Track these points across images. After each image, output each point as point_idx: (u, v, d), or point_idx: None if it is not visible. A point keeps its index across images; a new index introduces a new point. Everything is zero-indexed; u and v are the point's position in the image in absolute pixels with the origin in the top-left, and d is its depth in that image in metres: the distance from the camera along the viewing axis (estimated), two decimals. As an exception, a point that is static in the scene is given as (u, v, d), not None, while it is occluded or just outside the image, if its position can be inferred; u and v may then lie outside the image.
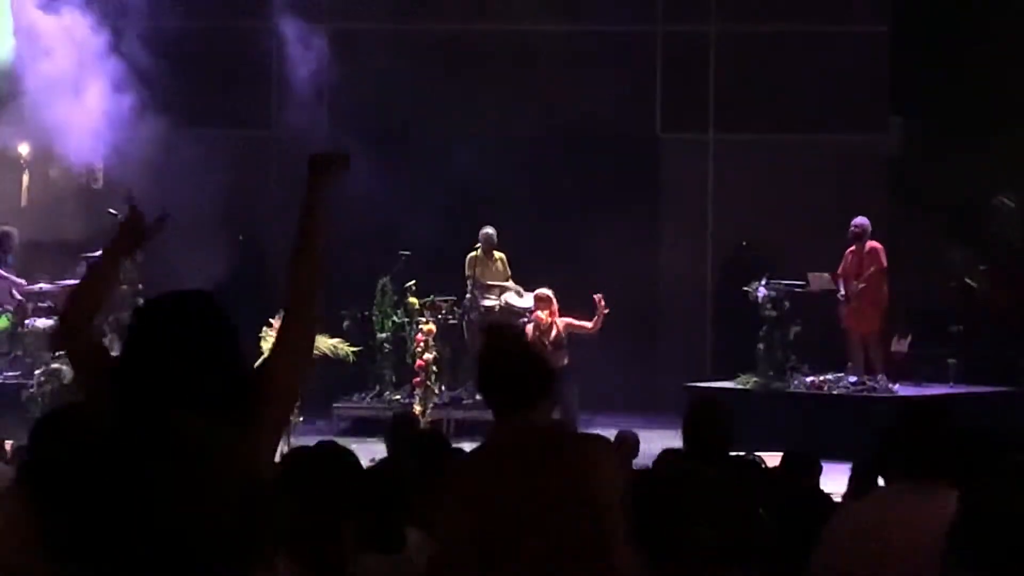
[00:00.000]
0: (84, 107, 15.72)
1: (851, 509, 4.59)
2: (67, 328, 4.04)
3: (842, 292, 15.47)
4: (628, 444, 10.12)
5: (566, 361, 14.26)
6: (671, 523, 4.34)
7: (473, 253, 16.19)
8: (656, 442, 9.60)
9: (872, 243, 15.35)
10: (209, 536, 1.81)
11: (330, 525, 3.98)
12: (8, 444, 6.91)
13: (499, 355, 4.26)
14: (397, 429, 7.77)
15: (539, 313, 14.51)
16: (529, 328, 14.28)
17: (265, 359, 3.88)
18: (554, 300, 14.57)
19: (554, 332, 14.40)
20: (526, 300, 15.47)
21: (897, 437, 4.67)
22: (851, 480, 7.53)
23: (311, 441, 4.73)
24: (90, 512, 1.80)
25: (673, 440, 6.56)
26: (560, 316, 14.51)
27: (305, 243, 3.92)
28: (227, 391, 3.48)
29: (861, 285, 15.26)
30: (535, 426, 4.16)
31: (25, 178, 17.13)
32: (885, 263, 15.30)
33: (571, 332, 14.49)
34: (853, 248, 15.42)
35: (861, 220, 15.44)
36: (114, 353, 3.88)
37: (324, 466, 4.15)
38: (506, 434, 4.19)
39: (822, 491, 7.10)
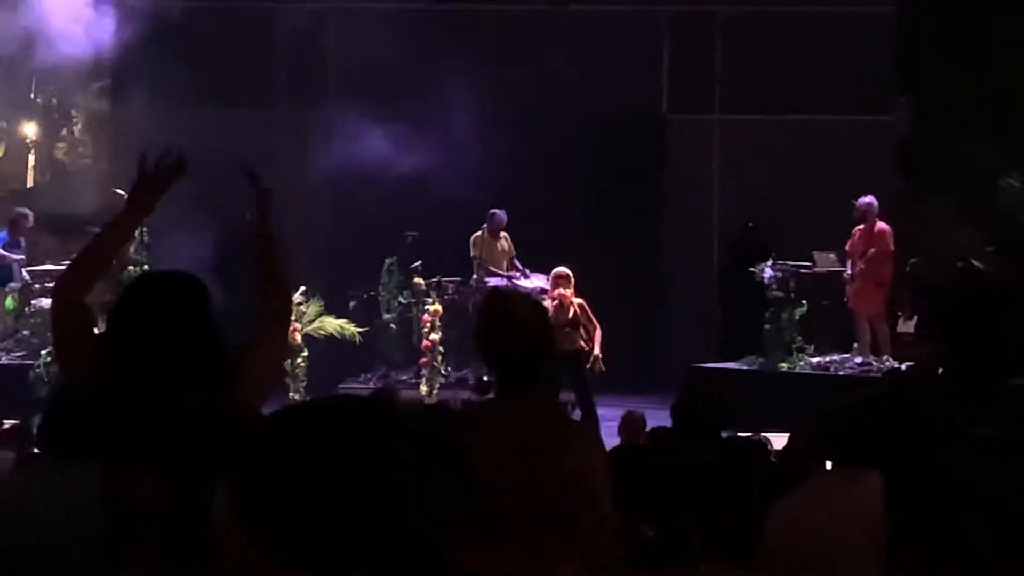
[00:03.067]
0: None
1: (784, 504, 4.42)
2: (62, 297, 3.99)
3: (848, 271, 15.47)
4: (635, 424, 10.11)
5: (583, 344, 13.87)
6: (655, 502, 4.28)
7: (478, 233, 16.18)
8: (663, 422, 9.55)
9: (881, 225, 15.29)
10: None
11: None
12: (7, 424, 6.79)
13: (512, 325, 4.05)
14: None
15: (562, 291, 13.98)
16: (550, 305, 13.67)
17: (248, 345, 3.93)
18: (572, 278, 14.13)
19: (571, 312, 13.97)
20: (532, 281, 15.40)
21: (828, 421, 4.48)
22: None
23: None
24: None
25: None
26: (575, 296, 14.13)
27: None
28: (208, 368, 3.57)
29: (860, 266, 15.25)
30: (535, 406, 4.06)
31: (31, 158, 17.15)
32: (892, 247, 15.25)
33: (584, 315, 14.06)
34: (861, 226, 15.38)
35: (863, 200, 15.35)
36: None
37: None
38: (505, 411, 4.07)
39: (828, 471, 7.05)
